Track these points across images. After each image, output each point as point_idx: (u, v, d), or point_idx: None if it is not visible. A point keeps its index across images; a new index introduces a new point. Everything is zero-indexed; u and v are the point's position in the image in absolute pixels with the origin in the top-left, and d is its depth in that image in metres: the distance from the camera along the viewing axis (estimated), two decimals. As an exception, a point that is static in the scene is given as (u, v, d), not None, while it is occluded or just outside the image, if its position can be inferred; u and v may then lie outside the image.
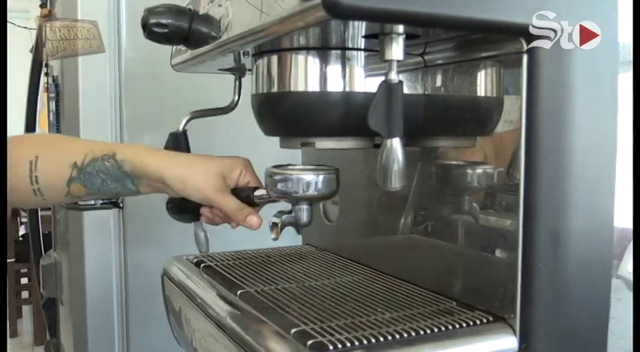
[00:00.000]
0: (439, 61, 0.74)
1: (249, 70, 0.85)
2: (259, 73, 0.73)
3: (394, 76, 0.59)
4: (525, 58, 0.59)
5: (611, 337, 0.65)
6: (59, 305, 1.70)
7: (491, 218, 0.69)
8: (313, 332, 0.62)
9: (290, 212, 0.74)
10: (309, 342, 0.59)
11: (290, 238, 1.21)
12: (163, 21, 0.72)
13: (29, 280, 3.32)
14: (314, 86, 0.68)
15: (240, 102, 0.90)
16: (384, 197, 0.89)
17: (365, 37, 0.64)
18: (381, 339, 0.60)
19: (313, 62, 0.68)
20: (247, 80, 0.83)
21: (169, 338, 0.97)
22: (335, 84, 0.68)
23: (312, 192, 0.70)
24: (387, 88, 0.59)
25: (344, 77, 0.68)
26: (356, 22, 0.59)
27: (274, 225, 0.74)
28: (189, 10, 0.74)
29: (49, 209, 1.85)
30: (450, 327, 0.64)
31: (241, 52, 0.75)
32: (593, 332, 0.65)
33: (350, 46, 0.68)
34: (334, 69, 0.68)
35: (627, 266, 0.81)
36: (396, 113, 0.59)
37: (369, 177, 0.89)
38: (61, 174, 0.76)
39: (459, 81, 0.73)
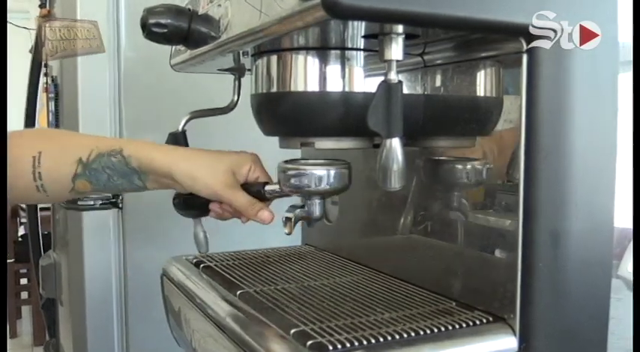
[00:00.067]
0: (439, 61, 0.74)
1: (249, 70, 0.85)
2: (259, 73, 0.73)
3: (394, 76, 0.59)
4: (525, 58, 0.59)
5: (611, 337, 0.65)
6: (58, 306, 1.70)
7: (490, 218, 0.69)
8: (313, 333, 0.62)
9: (302, 206, 0.74)
10: (309, 342, 0.59)
11: (289, 238, 1.21)
12: (162, 21, 0.72)
13: (29, 280, 3.32)
14: (313, 86, 0.68)
15: (239, 102, 0.90)
16: (384, 197, 0.89)
17: (364, 37, 0.64)
18: (381, 339, 0.60)
19: (313, 62, 0.68)
20: (247, 80, 0.83)
21: (169, 339, 0.97)
22: (334, 84, 0.68)
23: (324, 186, 0.70)
24: (387, 87, 0.59)
25: (343, 77, 0.68)
26: (355, 22, 0.59)
27: (287, 219, 0.74)
28: (189, 10, 0.74)
29: (49, 209, 1.85)
30: (450, 327, 0.64)
31: (241, 52, 0.75)
32: (593, 333, 0.65)
33: (349, 46, 0.68)
34: (334, 69, 0.68)
35: (627, 267, 0.81)
36: (396, 113, 0.59)
37: (369, 177, 0.89)
38: (65, 170, 0.75)
39: (458, 81, 0.73)
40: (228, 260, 0.96)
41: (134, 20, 0.76)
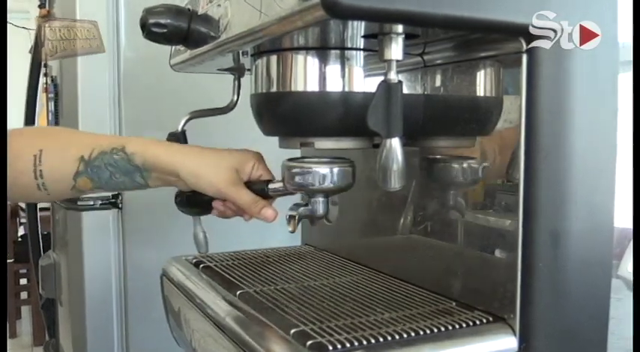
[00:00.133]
0: (438, 61, 0.74)
1: (249, 69, 0.85)
2: (258, 72, 0.73)
3: (393, 76, 0.59)
4: (525, 57, 0.59)
5: (611, 337, 0.65)
6: (58, 306, 1.70)
7: (490, 218, 0.69)
8: (312, 333, 0.62)
9: (306, 204, 0.74)
10: (309, 343, 0.59)
11: (289, 238, 1.21)
12: (162, 21, 0.72)
13: (28, 281, 3.32)
14: (313, 86, 0.68)
15: (239, 102, 0.90)
16: (384, 197, 0.89)
17: (364, 36, 0.64)
18: (381, 340, 0.60)
19: (312, 62, 0.68)
20: (246, 80, 0.83)
21: (168, 339, 0.97)
22: (334, 84, 0.68)
23: (328, 184, 0.70)
24: (387, 87, 0.59)
25: (343, 77, 0.68)
26: (355, 22, 0.59)
27: (291, 217, 0.74)
28: (188, 10, 0.74)
29: (48, 209, 1.85)
30: (450, 327, 0.64)
31: (240, 51, 0.75)
32: (593, 333, 0.65)
33: (349, 45, 0.68)
34: (333, 69, 0.68)
35: (627, 266, 0.82)
36: (396, 113, 0.59)
37: (369, 177, 0.89)
38: (67, 167, 0.75)
39: (458, 81, 0.73)
40: (227, 260, 0.96)
41: (133, 20, 0.76)
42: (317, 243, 1.08)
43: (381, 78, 0.59)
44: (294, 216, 0.73)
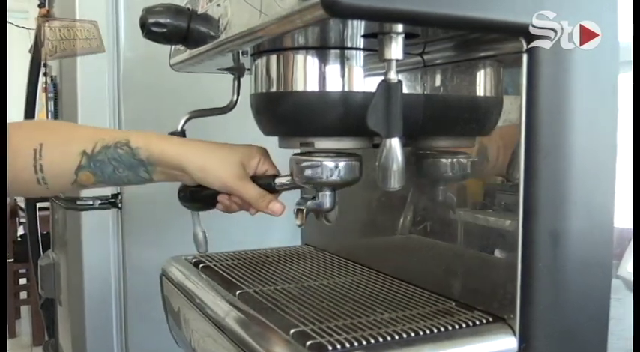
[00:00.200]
0: (438, 61, 0.74)
1: (248, 69, 0.85)
2: (258, 72, 0.73)
3: (393, 76, 0.59)
4: (525, 57, 0.59)
5: (611, 337, 0.65)
6: (57, 306, 1.70)
7: (490, 218, 0.69)
8: (312, 333, 0.61)
9: (313, 198, 0.74)
10: (309, 343, 0.59)
11: (289, 238, 1.21)
12: (162, 20, 0.71)
13: (28, 280, 3.32)
14: (313, 86, 0.68)
15: (238, 101, 0.90)
16: (383, 197, 0.89)
17: (364, 36, 0.64)
18: (381, 340, 0.60)
19: (312, 62, 0.68)
20: (246, 80, 0.83)
21: (168, 339, 0.97)
22: (334, 83, 0.68)
23: (336, 178, 0.70)
24: (386, 87, 0.59)
25: (343, 77, 0.68)
26: (355, 22, 0.58)
27: (299, 211, 0.74)
28: (188, 9, 0.74)
29: (48, 209, 1.85)
30: (450, 328, 0.64)
31: (240, 51, 0.75)
32: (592, 333, 0.65)
33: (349, 45, 0.68)
34: (333, 68, 0.68)
35: (627, 267, 0.81)
36: (395, 113, 0.59)
37: (368, 178, 0.89)
38: (68, 162, 0.74)
39: (458, 81, 0.73)
40: (227, 260, 0.96)
41: (133, 20, 0.76)
42: (317, 243, 1.08)
43: (381, 78, 0.59)
44: (302, 210, 0.74)
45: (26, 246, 1.96)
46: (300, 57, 0.68)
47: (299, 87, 0.68)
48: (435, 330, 0.63)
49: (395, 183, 0.60)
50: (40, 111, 1.72)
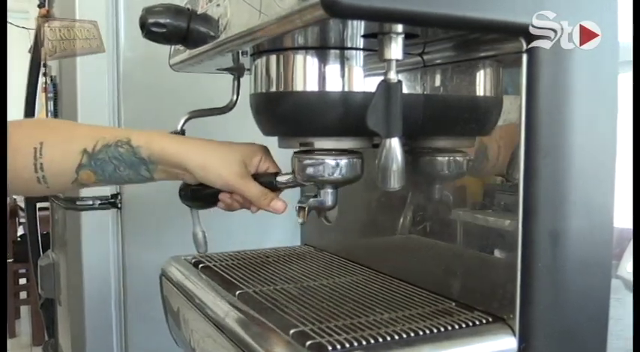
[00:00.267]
0: (438, 61, 0.74)
1: (248, 69, 0.85)
2: (258, 72, 0.73)
3: (393, 76, 0.59)
4: (525, 57, 0.59)
5: (610, 337, 0.65)
6: (57, 306, 1.70)
7: (490, 218, 0.69)
8: (312, 333, 0.61)
9: (315, 195, 0.74)
10: (308, 343, 0.59)
11: (288, 238, 1.21)
12: (161, 20, 0.71)
13: (27, 281, 3.32)
14: (313, 86, 0.68)
15: (238, 101, 0.90)
16: (383, 197, 0.89)
17: (364, 36, 0.64)
18: (380, 340, 0.60)
19: (312, 62, 0.68)
20: (246, 80, 0.83)
21: (167, 339, 0.97)
22: (334, 83, 0.68)
23: (338, 175, 0.71)
24: (386, 87, 0.59)
25: (343, 77, 0.68)
26: (355, 22, 0.58)
27: (301, 208, 0.74)
28: (188, 9, 0.74)
29: (47, 209, 1.85)
30: (450, 328, 0.64)
31: (240, 51, 0.75)
32: (592, 333, 0.65)
33: (349, 45, 0.67)
34: (333, 68, 0.68)
35: (626, 267, 0.81)
36: (395, 113, 0.59)
37: (368, 178, 0.89)
38: (69, 160, 0.74)
39: (458, 81, 0.73)
40: (227, 260, 0.96)
41: (133, 20, 0.76)
42: (317, 243, 1.08)
43: (381, 78, 0.59)
44: (304, 207, 0.74)
45: (26, 246, 1.96)
46: (299, 57, 0.68)
47: (299, 87, 0.68)
48: (435, 330, 0.63)
49: (394, 183, 0.60)
50: (40, 112, 1.71)
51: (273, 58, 0.70)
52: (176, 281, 0.91)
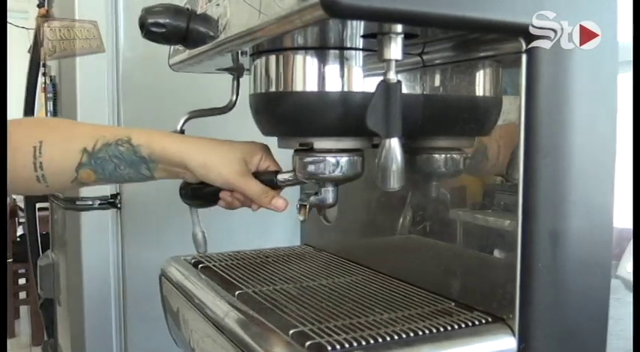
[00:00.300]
0: (438, 61, 0.74)
1: (247, 69, 0.85)
2: (257, 72, 0.73)
3: (393, 76, 0.59)
4: (525, 57, 0.59)
5: (609, 337, 0.65)
6: (57, 306, 1.70)
7: (490, 218, 0.69)
8: (311, 333, 0.61)
9: (316, 193, 0.75)
10: (308, 343, 0.59)
11: (288, 238, 1.21)
12: (161, 20, 0.71)
13: (27, 281, 3.32)
14: (312, 86, 0.68)
15: (238, 102, 0.90)
16: (383, 197, 0.89)
17: (363, 36, 0.64)
18: (380, 340, 0.60)
19: (311, 62, 0.68)
20: (245, 80, 0.83)
21: (167, 339, 0.97)
22: (333, 84, 0.68)
23: (338, 173, 0.71)
24: (386, 87, 0.59)
25: (342, 77, 0.68)
26: (354, 22, 0.58)
27: (302, 206, 0.75)
28: (187, 9, 0.74)
29: (47, 209, 1.85)
30: (449, 328, 0.64)
31: (239, 51, 0.75)
32: (592, 333, 0.65)
33: (348, 45, 0.67)
34: (333, 69, 0.68)
35: (626, 267, 0.81)
36: (395, 113, 0.59)
37: (368, 178, 0.89)
38: (69, 159, 0.74)
39: (457, 81, 0.73)
40: (226, 260, 0.96)
41: (132, 20, 0.76)
42: (316, 243, 1.08)
43: (380, 78, 0.59)
44: (305, 205, 0.75)
45: (25, 246, 1.96)
46: (299, 57, 0.68)
47: (298, 87, 0.68)
48: (434, 330, 0.63)
49: (394, 183, 0.60)
50: (39, 112, 1.71)
51: (272, 58, 0.70)
52: (176, 281, 0.91)
